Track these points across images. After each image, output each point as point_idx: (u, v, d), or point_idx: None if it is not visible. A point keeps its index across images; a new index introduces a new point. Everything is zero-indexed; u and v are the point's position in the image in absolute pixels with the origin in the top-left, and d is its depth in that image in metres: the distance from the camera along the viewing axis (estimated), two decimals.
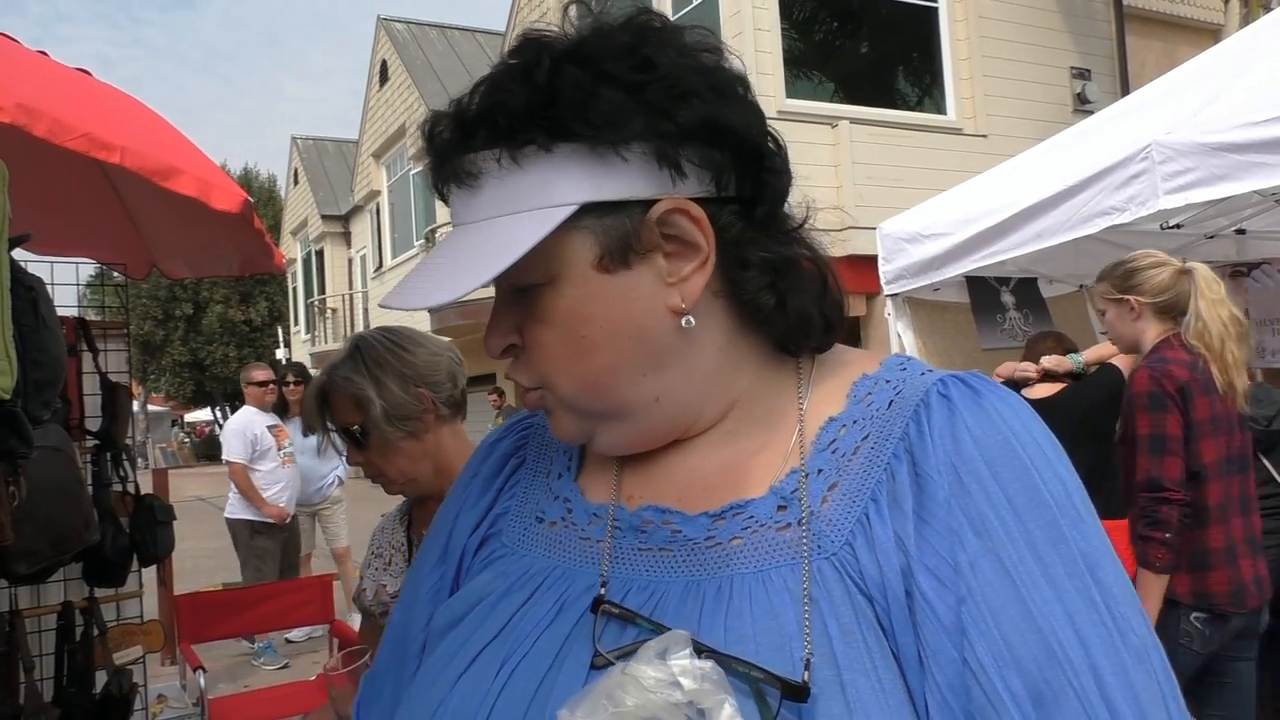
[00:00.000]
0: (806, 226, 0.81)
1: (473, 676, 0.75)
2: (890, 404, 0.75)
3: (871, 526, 0.70)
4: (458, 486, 0.96)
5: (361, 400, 1.73)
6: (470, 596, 0.83)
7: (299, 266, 27.49)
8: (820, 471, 0.74)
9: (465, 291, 0.70)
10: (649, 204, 0.73)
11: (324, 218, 25.16)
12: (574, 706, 0.62)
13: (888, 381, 0.78)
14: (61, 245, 3.48)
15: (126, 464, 3.34)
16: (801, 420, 0.79)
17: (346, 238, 24.92)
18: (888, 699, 0.64)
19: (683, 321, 0.75)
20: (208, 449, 43.87)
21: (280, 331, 28.03)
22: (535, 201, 0.71)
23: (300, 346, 26.37)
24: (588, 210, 0.72)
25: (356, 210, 23.51)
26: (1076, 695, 0.63)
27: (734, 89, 0.76)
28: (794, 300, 0.78)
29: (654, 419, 0.78)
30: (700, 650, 0.65)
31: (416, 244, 18.31)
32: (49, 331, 1.67)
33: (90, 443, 3.26)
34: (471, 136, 0.73)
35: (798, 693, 0.64)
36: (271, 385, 6.70)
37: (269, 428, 6.54)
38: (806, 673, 0.65)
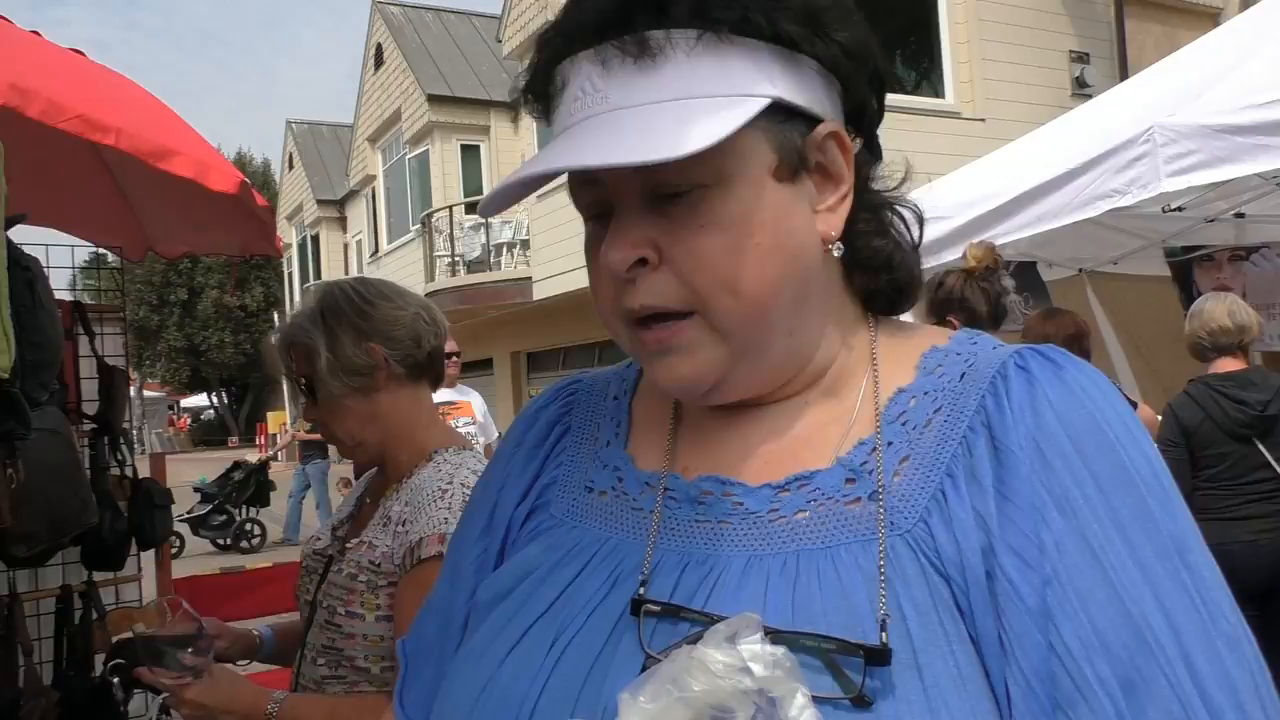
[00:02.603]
0: (905, 187, 0.80)
1: (522, 652, 0.72)
2: (962, 376, 0.72)
3: (948, 503, 0.67)
4: (501, 455, 0.91)
5: (311, 352, 1.67)
6: (518, 569, 0.79)
7: (294, 251, 27.42)
8: (891, 444, 0.71)
9: (688, 151, 0.62)
10: (813, 124, 0.71)
11: (319, 202, 25.07)
12: (636, 690, 0.59)
13: (958, 354, 0.75)
14: (58, 228, 3.46)
15: (124, 448, 3.32)
16: (876, 390, 0.75)
17: (342, 222, 24.85)
18: (965, 684, 0.61)
19: (833, 249, 0.73)
20: (204, 434, 43.89)
21: (276, 317, 27.98)
22: (727, 88, 0.67)
23: None
24: (768, 113, 0.68)
25: (352, 195, 23.42)
26: (1169, 683, 0.60)
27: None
28: (897, 253, 0.77)
29: (780, 355, 0.74)
30: (769, 633, 0.62)
31: (412, 229, 18.24)
32: (45, 313, 1.66)
33: (87, 427, 3.24)
34: (664, 12, 0.67)
35: (879, 656, 0.61)
36: (456, 358, 5.64)
37: (438, 404, 5.69)
38: (884, 633, 0.61)
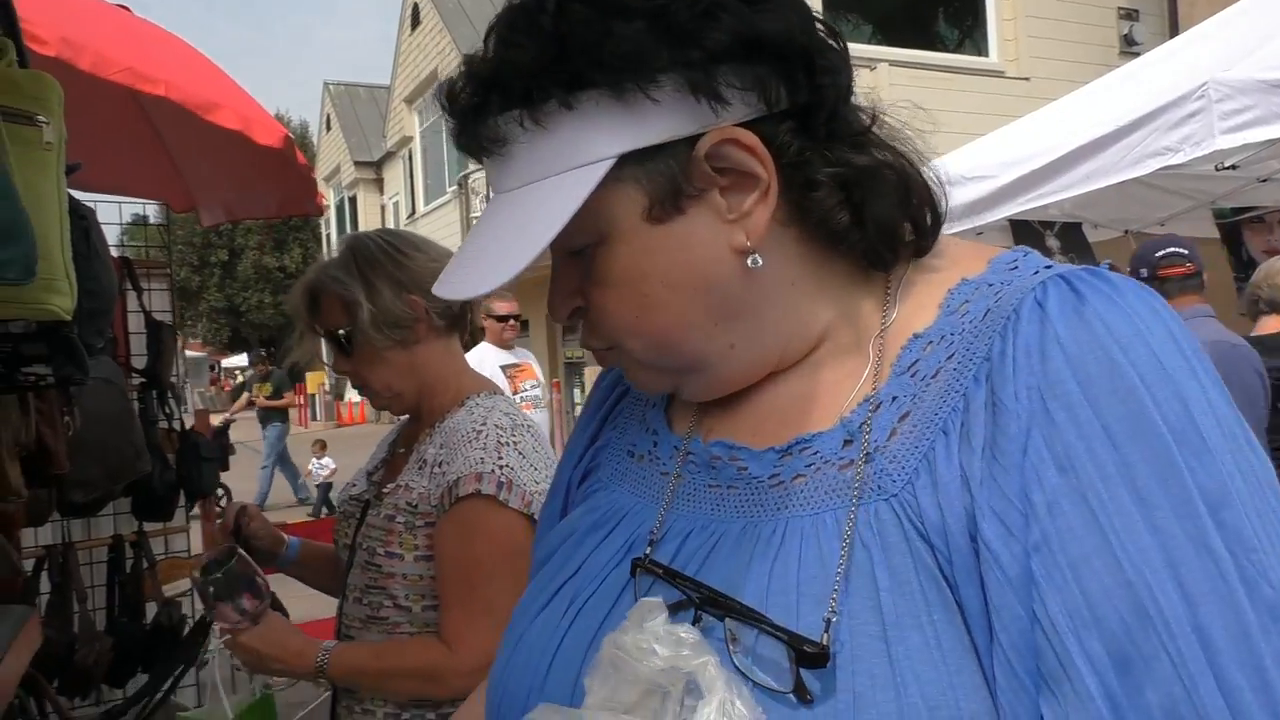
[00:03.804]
0: (879, 125, 0.72)
1: (549, 612, 0.75)
2: (986, 314, 0.65)
3: (936, 464, 0.62)
4: (579, 418, 0.94)
5: (350, 304, 1.65)
6: (563, 531, 0.82)
7: (332, 213, 27.61)
8: (895, 399, 0.66)
9: (513, 275, 0.64)
10: (695, 139, 0.66)
11: (357, 164, 25.18)
12: (591, 675, 0.62)
13: (990, 285, 0.67)
14: (105, 185, 3.51)
15: (172, 401, 3.38)
16: (883, 340, 0.70)
17: (379, 184, 24.95)
18: (945, 656, 0.57)
19: (749, 261, 0.67)
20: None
21: None
22: (568, 162, 0.65)
23: None
24: (627, 160, 0.65)
25: (389, 156, 23.49)
26: (1171, 661, 0.53)
27: None
28: (874, 212, 0.68)
29: (733, 365, 0.72)
30: (728, 606, 0.63)
31: (449, 190, 18.27)
32: (100, 262, 1.68)
33: (136, 381, 3.31)
34: (487, 101, 0.67)
35: (813, 659, 0.58)
36: (514, 321, 5.76)
37: (504, 368, 5.52)
38: (826, 634, 0.58)
